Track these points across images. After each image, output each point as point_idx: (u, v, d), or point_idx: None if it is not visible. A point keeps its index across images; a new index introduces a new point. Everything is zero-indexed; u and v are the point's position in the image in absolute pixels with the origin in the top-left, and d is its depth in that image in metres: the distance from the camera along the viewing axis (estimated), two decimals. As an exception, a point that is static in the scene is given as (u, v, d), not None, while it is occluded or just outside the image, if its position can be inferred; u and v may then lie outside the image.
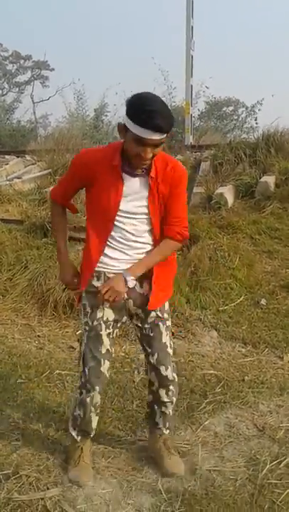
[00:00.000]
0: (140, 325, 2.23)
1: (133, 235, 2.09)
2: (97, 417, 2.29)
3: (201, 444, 2.50)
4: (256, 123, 15.23)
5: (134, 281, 2.08)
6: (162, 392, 2.29)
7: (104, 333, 2.16)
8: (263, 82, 33.43)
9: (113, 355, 2.28)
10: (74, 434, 2.32)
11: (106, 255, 2.11)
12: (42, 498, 2.14)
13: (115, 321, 2.20)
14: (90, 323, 2.17)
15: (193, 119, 11.12)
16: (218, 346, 3.50)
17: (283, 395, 2.94)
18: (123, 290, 2.06)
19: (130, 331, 3.82)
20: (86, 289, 2.17)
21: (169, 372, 2.25)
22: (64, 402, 2.92)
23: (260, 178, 5.92)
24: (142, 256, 2.11)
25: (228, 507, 2.10)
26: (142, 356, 3.50)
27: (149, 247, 2.13)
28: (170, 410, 2.35)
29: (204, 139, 9.50)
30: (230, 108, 16.69)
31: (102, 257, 2.12)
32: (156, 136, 1.86)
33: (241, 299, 4.12)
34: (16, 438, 2.58)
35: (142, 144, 1.88)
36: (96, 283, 2.13)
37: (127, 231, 2.08)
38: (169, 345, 2.25)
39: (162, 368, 2.24)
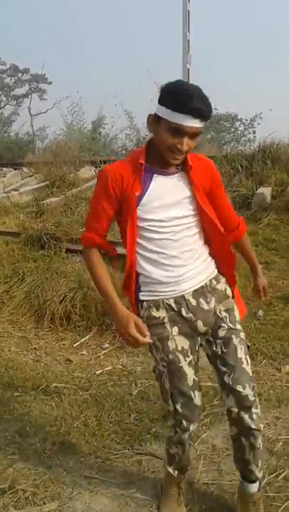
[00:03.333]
0: (211, 340, 1.93)
1: (178, 245, 1.84)
2: (192, 448, 2.09)
3: (198, 457, 2.48)
4: (254, 136, 15.36)
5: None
6: (245, 417, 1.90)
7: (184, 364, 1.91)
8: (262, 95, 33.73)
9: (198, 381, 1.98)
10: (170, 470, 2.08)
11: (151, 279, 1.87)
12: (38, 513, 2.12)
13: (192, 347, 1.93)
14: (166, 358, 1.90)
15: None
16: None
17: (281, 407, 2.93)
18: (131, 331, 1.80)
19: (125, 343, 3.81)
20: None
21: (249, 392, 1.89)
22: (61, 415, 2.90)
23: (256, 189, 5.96)
24: (191, 267, 1.86)
25: (226, 521, 2.08)
26: (140, 369, 3.51)
27: (196, 255, 1.88)
28: (260, 442, 1.98)
29: (201, 150, 9.55)
30: (228, 122, 16.83)
31: (153, 281, 1.87)
32: (195, 123, 1.67)
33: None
34: (12, 452, 2.56)
35: (179, 134, 1.68)
36: (155, 313, 1.88)
37: (170, 240, 1.83)
38: (245, 362, 1.92)
39: (240, 388, 1.88)
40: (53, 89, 29.11)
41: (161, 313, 1.88)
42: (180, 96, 1.66)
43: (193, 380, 1.93)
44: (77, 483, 2.33)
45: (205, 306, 1.89)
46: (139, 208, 1.79)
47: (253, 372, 1.98)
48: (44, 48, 45.02)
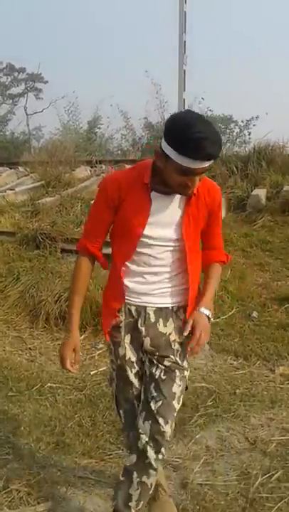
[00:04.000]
0: (155, 362, 1.88)
1: (162, 264, 1.84)
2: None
3: (192, 458, 2.49)
4: (249, 138, 15.41)
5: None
6: (150, 450, 1.81)
7: (130, 373, 1.91)
8: (258, 97, 33.83)
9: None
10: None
11: (127, 284, 1.86)
12: (32, 513, 2.12)
13: (138, 360, 1.91)
14: (116, 362, 1.93)
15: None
16: (209, 359, 3.50)
17: (274, 408, 2.95)
18: (65, 353, 1.88)
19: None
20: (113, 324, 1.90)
21: (168, 430, 1.83)
22: (55, 415, 2.90)
23: (251, 191, 5.98)
24: (164, 286, 1.85)
25: (220, 521, 2.09)
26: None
27: (173, 278, 1.86)
28: (152, 482, 1.86)
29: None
30: (223, 124, 16.86)
31: (128, 289, 1.86)
32: (205, 165, 1.62)
33: (233, 311, 4.13)
34: (6, 452, 2.56)
35: (189, 174, 1.65)
36: (121, 314, 1.88)
37: (154, 258, 1.83)
38: (177, 400, 1.86)
39: (162, 421, 1.82)
40: (49, 88, 28.98)
41: (120, 317, 1.88)
42: (191, 141, 1.56)
43: (138, 390, 1.92)
44: (71, 483, 2.33)
45: (161, 328, 1.86)
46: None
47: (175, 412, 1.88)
48: (40, 47, 44.86)
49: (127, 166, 8.05)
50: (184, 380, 1.90)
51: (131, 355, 1.90)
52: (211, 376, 3.29)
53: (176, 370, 1.87)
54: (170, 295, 1.87)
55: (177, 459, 2.49)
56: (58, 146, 8.74)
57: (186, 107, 10.76)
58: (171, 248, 1.83)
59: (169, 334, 1.87)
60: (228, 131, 16.81)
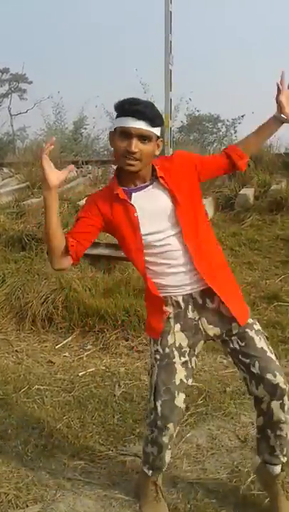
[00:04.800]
0: (226, 339, 1.96)
1: (171, 252, 1.88)
2: (170, 451, 2.05)
3: (183, 457, 2.47)
4: (236, 137, 15.46)
5: None
6: (276, 405, 1.90)
7: (177, 361, 1.94)
8: (244, 97, 34.05)
9: (188, 386, 2.00)
10: (145, 469, 2.09)
11: (161, 283, 1.92)
12: (21, 517, 2.09)
13: (191, 346, 1.96)
14: (161, 351, 1.95)
15: (172, 132, 11.20)
16: (199, 358, 3.47)
17: (265, 405, 2.94)
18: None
19: (111, 344, 3.79)
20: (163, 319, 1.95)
21: (280, 379, 1.88)
22: (43, 417, 2.86)
23: (239, 190, 5.99)
24: (191, 270, 1.88)
25: (211, 520, 2.07)
26: (123, 370, 3.49)
27: (188, 261, 1.89)
28: (287, 432, 1.98)
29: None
30: (210, 123, 16.92)
31: (160, 286, 1.92)
32: (140, 125, 1.75)
33: (221, 310, 4.12)
34: (-7, 455, 2.51)
35: (126, 136, 1.77)
36: (166, 308, 1.94)
37: (162, 253, 1.89)
38: (269, 351, 1.94)
39: (270, 376, 1.88)
40: (34, 89, 28.98)
41: (168, 309, 1.94)
42: (125, 102, 1.79)
43: (181, 380, 1.93)
44: (60, 485, 2.30)
45: (210, 305, 1.94)
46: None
47: (278, 361, 1.96)
48: (24, 47, 44.73)
49: (114, 167, 8.04)
50: (259, 332, 1.96)
51: (182, 341, 1.94)
52: (201, 375, 3.28)
53: (246, 330, 1.94)
54: (205, 275, 1.89)
55: (168, 459, 2.46)
56: (43, 146, 8.67)
57: (173, 107, 10.76)
58: (179, 234, 1.87)
59: (219, 307, 1.93)
60: (215, 130, 16.85)
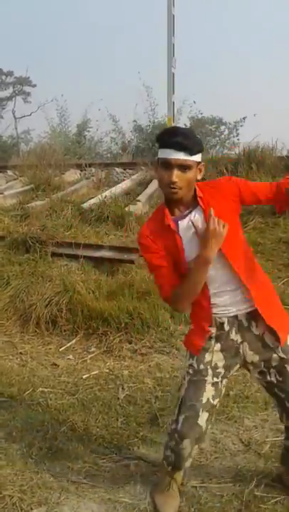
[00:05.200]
0: (265, 370, 2.00)
1: (216, 274, 1.91)
2: (190, 459, 2.09)
3: (199, 455, 2.47)
4: (238, 139, 15.45)
5: None
6: None
7: (209, 380, 1.99)
8: (246, 100, 34.06)
9: (214, 406, 2.04)
10: (165, 463, 2.14)
11: (215, 303, 1.96)
12: (25, 520, 2.10)
13: (226, 368, 2.01)
14: (196, 367, 2.00)
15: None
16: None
17: (268, 409, 2.94)
18: None
19: (114, 347, 3.80)
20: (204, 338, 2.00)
21: None
22: (47, 420, 2.87)
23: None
24: (236, 293, 1.94)
25: (215, 524, 2.08)
26: (126, 372, 3.49)
27: (234, 284, 1.94)
28: None
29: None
30: (214, 125, 16.91)
31: (212, 307, 1.96)
32: (179, 156, 1.81)
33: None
34: (-2, 458, 2.52)
35: (167, 167, 1.83)
36: (210, 328, 1.99)
37: (213, 276, 1.91)
38: None
39: None
40: (38, 92, 29.03)
41: (212, 329, 1.98)
42: (166, 133, 1.88)
43: (208, 399, 1.99)
44: (64, 488, 2.31)
45: (254, 331, 1.97)
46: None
47: None
48: (28, 50, 44.87)
49: (117, 169, 8.06)
50: None
51: (218, 361, 1.98)
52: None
53: (286, 365, 1.96)
54: (252, 298, 1.93)
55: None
56: (47, 149, 8.72)
57: (176, 110, 10.79)
58: (218, 257, 1.88)
59: (263, 334, 1.96)
60: (217, 133, 16.85)
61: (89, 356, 3.76)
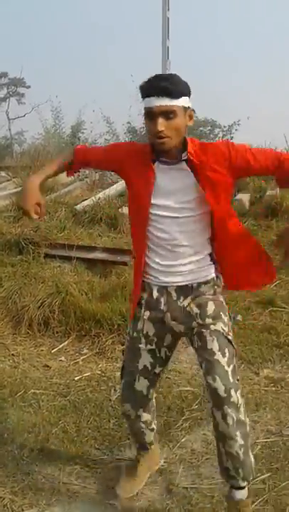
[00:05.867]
0: (191, 338, 1.94)
1: (175, 238, 1.83)
2: (152, 432, 2.20)
3: (178, 462, 2.48)
4: (232, 142, 15.47)
5: None
6: (218, 415, 1.80)
7: (143, 347, 1.97)
8: (239, 102, 34.22)
9: (159, 376, 2.08)
10: (132, 441, 2.28)
11: (148, 263, 1.90)
12: (16, 522, 2.09)
13: (158, 337, 1.96)
14: (131, 333, 2.01)
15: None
16: (194, 363, 3.48)
17: (259, 410, 2.96)
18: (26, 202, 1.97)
19: (107, 349, 3.80)
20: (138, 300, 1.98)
21: (219, 385, 1.77)
22: (39, 422, 2.87)
23: (235, 195, 6.02)
24: (185, 262, 1.85)
25: (206, 525, 2.08)
26: (119, 374, 3.48)
27: (199, 253, 1.87)
28: (238, 450, 1.83)
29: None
30: (208, 128, 16.95)
31: (145, 265, 1.91)
32: (162, 102, 1.68)
33: (217, 315, 4.14)
34: (-11, 460, 2.52)
35: (152, 117, 1.72)
36: (143, 294, 1.96)
37: (166, 232, 1.83)
38: (219, 353, 1.83)
39: (210, 379, 1.79)
40: (32, 93, 28.99)
41: (142, 294, 1.96)
42: (146, 82, 1.74)
43: (145, 366, 1.98)
44: (56, 489, 2.31)
45: (180, 303, 1.92)
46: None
47: (233, 366, 1.86)
48: (23, 51, 44.82)
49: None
50: (215, 333, 1.87)
51: (148, 329, 1.96)
52: (196, 380, 3.29)
53: (203, 330, 1.89)
54: (190, 272, 1.88)
55: (162, 463, 2.48)
56: (40, 150, 8.70)
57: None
58: (189, 217, 1.81)
59: (187, 305, 1.91)
60: (212, 135, 16.89)
61: (81, 358, 3.76)
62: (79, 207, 6.02)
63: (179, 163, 1.81)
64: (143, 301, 1.96)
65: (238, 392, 1.83)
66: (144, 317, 1.96)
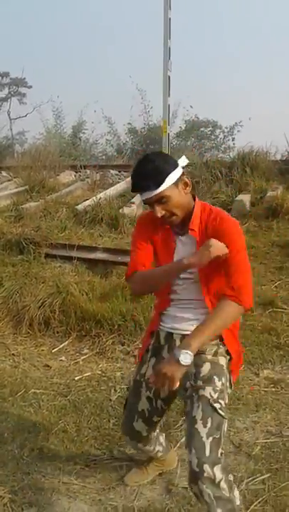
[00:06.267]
0: (184, 400, 1.89)
1: (188, 299, 1.94)
2: (153, 455, 2.28)
3: (177, 462, 2.49)
4: (233, 143, 15.51)
5: (190, 358, 1.64)
6: (196, 491, 1.65)
7: (143, 392, 2.00)
8: (240, 103, 34.23)
9: (158, 423, 2.10)
10: None
11: (165, 313, 2.00)
12: (16, 521, 2.10)
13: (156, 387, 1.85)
14: (135, 375, 2.07)
15: (170, 137, 11.24)
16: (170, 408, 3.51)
17: (259, 411, 2.96)
18: (176, 374, 1.64)
19: (107, 349, 3.81)
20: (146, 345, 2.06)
21: (193, 458, 1.63)
22: (39, 421, 2.88)
23: (235, 196, 6.02)
24: (190, 316, 1.93)
25: (205, 525, 2.09)
26: (119, 374, 3.50)
27: (196, 308, 1.94)
28: None
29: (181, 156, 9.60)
30: (209, 129, 16.95)
31: (162, 317, 2.01)
32: (150, 194, 1.80)
33: (217, 315, 4.14)
34: (-11, 459, 2.52)
35: (149, 205, 1.86)
36: (152, 340, 2.04)
37: (180, 294, 1.94)
38: (198, 421, 1.71)
39: (188, 451, 1.69)
40: (33, 93, 29.03)
41: (151, 340, 2.04)
42: (131, 176, 1.88)
43: (143, 410, 2.01)
44: (55, 489, 2.32)
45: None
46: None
47: (214, 438, 1.69)
48: (24, 51, 44.86)
49: (112, 171, 8.07)
50: (202, 400, 1.76)
51: (149, 375, 1.95)
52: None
53: (193, 393, 1.80)
54: (194, 324, 1.86)
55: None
56: (41, 150, 8.69)
57: (171, 113, 10.81)
58: (191, 280, 1.89)
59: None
60: (213, 136, 16.89)
61: (81, 358, 3.77)
62: (80, 207, 6.03)
63: (187, 233, 1.91)
64: (150, 347, 2.03)
65: (217, 466, 1.65)
66: (149, 362, 2.01)
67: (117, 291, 4.28)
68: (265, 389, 3.22)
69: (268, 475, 2.39)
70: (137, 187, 1.84)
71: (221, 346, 1.91)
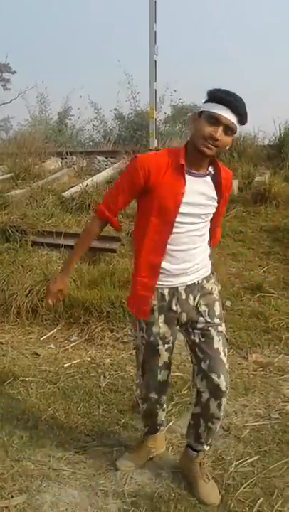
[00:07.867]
0: (190, 330, 2.10)
1: (194, 242, 2.02)
2: (163, 412, 2.35)
3: (167, 446, 2.50)
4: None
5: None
6: (213, 404, 2.08)
7: (161, 347, 2.12)
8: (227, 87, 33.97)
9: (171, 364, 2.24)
10: (143, 424, 2.42)
11: (164, 267, 2.00)
12: (6, 507, 2.09)
13: (173, 334, 2.12)
14: (147, 339, 2.11)
15: (158, 123, 11.17)
16: (183, 348, 3.49)
17: (248, 394, 2.98)
18: (52, 289, 2.18)
19: (96, 336, 3.80)
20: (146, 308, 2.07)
21: (222, 382, 2.04)
22: (28, 409, 2.87)
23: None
24: (195, 263, 2.04)
25: (195, 507, 2.10)
26: (108, 361, 3.50)
27: (201, 252, 2.07)
28: (217, 426, 2.16)
29: (169, 143, 9.56)
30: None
31: (161, 270, 2.01)
32: (230, 116, 1.83)
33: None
34: (-22, 447, 2.51)
35: (215, 123, 1.83)
36: (153, 301, 2.06)
37: (189, 236, 1.99)
38: (223, 353, 2.07)
39: (214, 376, 2.03)
40: (18, 79, 28.54)
41: (153, 302, 2.05)
42: (221, 91, 1.85)
43: (165, 361, 2.16)
44: (45, 475, 2.31)
45: (191, 302, 2.07)
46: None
47: (228, 363, 2.10)
48: (8, 36, 44.05)
49: (99, 158, 8.00)
50: (221, 335, 2.09)
51: (165, 331, 2.09)
52: (186, 365, 3.31)
53: (210, 328, 2.07)
54: (197, 271, 2.06)
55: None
56: (27, 137, 8.59)
57: (158, 98, 10.72)
58: (199, 225, 2.00)
59: (197, 303, 2.08)
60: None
61: (70, 345, 3.76)
62: (67, 194, 5.97)
63: (205, 176, 1.97)
64: (155, 307, 2.06)
65: None
66: (160, 321, 2.07)
67: (105, 278, 4.26)
68: (254, 372, 3.25)
69: (257, 457, 2.41)
70: (232, 104, 1.83)
71: (215, 282, 2.18)
